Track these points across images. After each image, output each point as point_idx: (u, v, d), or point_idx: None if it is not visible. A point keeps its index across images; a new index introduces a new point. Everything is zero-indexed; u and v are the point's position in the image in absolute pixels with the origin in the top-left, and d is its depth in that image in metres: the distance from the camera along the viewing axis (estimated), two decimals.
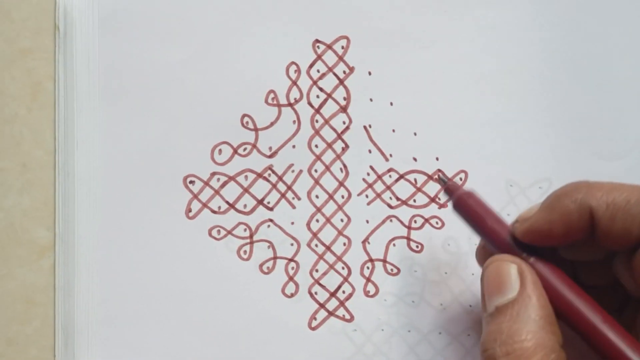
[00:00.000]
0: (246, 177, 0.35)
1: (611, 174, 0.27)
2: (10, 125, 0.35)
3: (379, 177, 0.35)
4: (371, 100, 0.35)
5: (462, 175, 0.35)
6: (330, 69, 0.35)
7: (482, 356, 0.26)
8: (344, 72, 0.35)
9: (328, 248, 0.35)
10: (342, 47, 0.35)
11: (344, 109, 0.35)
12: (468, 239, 0.35)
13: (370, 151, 0.35)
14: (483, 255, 0.30)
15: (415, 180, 0.35)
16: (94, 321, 0.34)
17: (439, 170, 0.35)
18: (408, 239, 0.35)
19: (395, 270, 0.35)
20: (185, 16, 0.35)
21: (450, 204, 0.30)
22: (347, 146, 0.35)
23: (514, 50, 0.35)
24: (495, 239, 0.29)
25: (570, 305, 0.26)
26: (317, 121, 0.35)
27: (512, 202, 0.35)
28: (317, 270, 0.35)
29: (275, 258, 0.35)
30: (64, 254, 0.35)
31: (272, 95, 0.35)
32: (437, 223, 0.35)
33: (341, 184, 0.35)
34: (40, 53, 0.36)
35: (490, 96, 0.35)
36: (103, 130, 0.35)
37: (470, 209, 0.29)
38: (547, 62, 0.35)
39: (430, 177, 0.35)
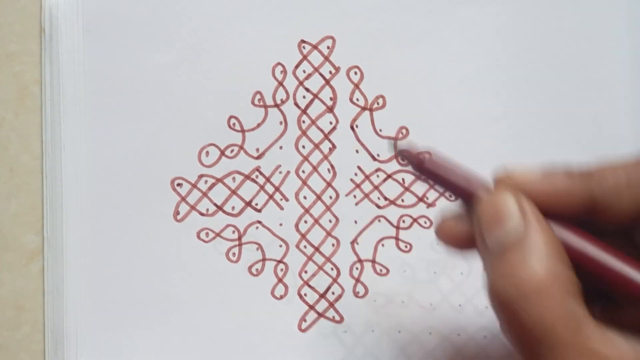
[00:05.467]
0: (234, 178, 0.35)
1: None
2: None
3: (367, 177, 0.35)
4: (357, 100, 0.35)
5: None
6: (316, 69, 0.35)
7: (494, 301, 0.23)
8: (330, 72, 0.35)
9: (317, 249, 0.35)
10: (328, 47, 0.35)
11: (330, 109, 0.35)
12: None
13: (357, 151, 0.35)
14: (445, 230, 0.26)
15: (403, 179, 0.35)
16: (84, 326, 0.34)
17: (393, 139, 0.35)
18: (397, 239, 0.35)
19: (384, 271, 0.35)
20: (170, 18, 0.35)
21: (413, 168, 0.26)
22: (334, 146, 0.35)
23: (499, 49, 0.35)
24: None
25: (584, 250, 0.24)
26: (303, 122, 0.35)
27: None
28: (306, 272, 0.35)
29: (264, 260, 0.35)
30: (53, 259, 0.35)
31: (258, 96, 0.35)
32: (425, 222, 0.35)
33: (329, 184, 0.35)
34: (26, 57, 0.35)
35: (476, 95, 0.35)
36: (90, 133, 0.35)
37: (441, 168, 0.25)
38: (533, 60, 0.35)
39: (418, 177, 0.35)
